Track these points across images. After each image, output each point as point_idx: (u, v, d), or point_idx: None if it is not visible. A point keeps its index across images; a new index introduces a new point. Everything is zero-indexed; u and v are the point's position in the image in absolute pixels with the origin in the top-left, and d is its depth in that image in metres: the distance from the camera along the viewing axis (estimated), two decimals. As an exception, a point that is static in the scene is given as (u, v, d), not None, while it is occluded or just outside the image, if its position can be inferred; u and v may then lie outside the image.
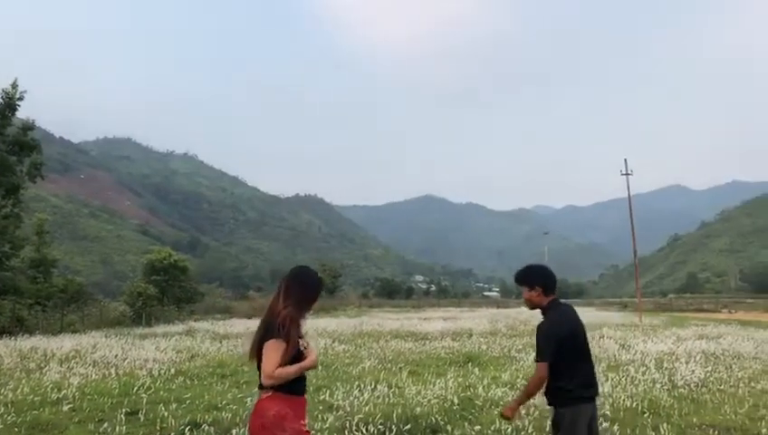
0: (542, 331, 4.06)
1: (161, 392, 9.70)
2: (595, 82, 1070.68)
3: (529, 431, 6.56)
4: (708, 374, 10.78)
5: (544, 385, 4.02)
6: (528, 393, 4.10)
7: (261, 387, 3.42)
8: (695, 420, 7.46)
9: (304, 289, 3.65)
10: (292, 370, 3.37)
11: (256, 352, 3.46)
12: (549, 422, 4.44)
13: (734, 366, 12.12)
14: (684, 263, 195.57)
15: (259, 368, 3.43)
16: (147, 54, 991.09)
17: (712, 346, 15.61)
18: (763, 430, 6.86)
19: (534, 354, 4.11)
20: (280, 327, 3.37)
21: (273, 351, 3.32)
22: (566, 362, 3.97)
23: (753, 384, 10.04)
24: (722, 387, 9.80)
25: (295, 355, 3.44)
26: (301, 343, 3.52)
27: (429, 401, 8.31)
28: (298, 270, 3.77)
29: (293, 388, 3.46)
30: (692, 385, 9.66)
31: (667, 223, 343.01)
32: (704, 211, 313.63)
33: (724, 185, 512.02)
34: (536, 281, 4.16)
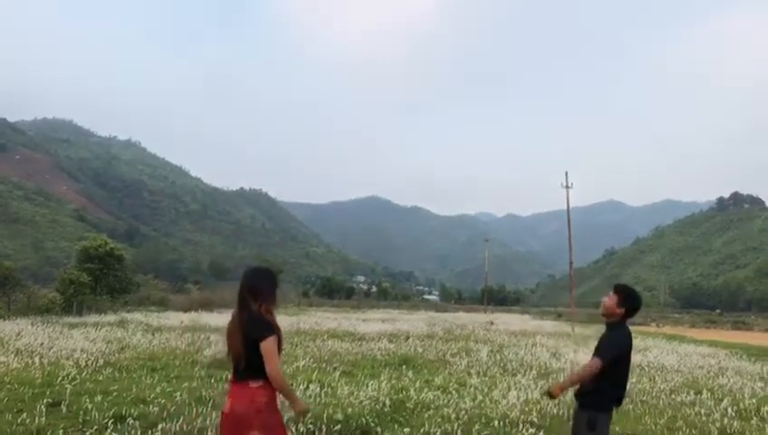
0: (607, 338, 4.57)
1: (87, 384, 9.45)
2: (540, 95, 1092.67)
3: (457, 434, 6.66)
4: (633, 386, 11.12)
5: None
6: (578, 379, 4.46)
7: (244, 377, 3.78)
8: (617, 429, 7.69)
9: (272, 286, 4.04)
10: (287, 388, 3.87)
11: (244, 347, 3.78)
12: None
13: (657, 378, 12.57)
14: (618, 276, 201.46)
15: (246, 360, 3.78)
16: (95, 36, 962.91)
17: (638, 358, 16.15)
18: (680, 441, 7.13)
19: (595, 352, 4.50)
20: (272, 325, 3.83)
21: (273, 346, 3.76)
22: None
23: (673, 396, 10.42)
24: (644, 398, 10.14)
25: None
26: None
27: (361, 402, 8.34)
28: (261, 271, 4.16)
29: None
30: (617, 395, 9.95)
31: (604, 236, 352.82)
32: (638, 227, 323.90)
33: (658, 203, 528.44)
34: (630, 303, 4.60)
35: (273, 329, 3.81)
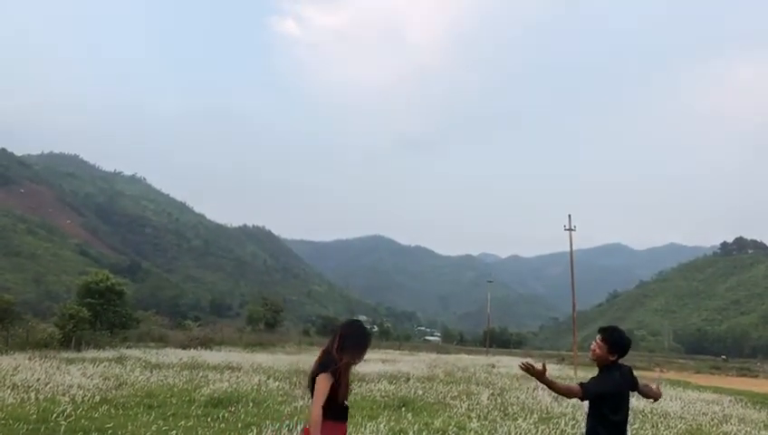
0: (597, 376, 4.58)
1: (82, 421, 9.35)
2: (544, 137, 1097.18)
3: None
4: (635, 432, 10.97)
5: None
6: (555, 386, 4.36)
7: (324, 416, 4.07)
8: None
9: (362, 343, 4.37)
10: (316, 430, 3.99)
11: (310, 385, 4.17)
12: None
13: (660, 425, 12.38)
14: (621, 319, 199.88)
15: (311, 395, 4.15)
16: (102, 73, 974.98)
17: (641, 404, 15.92)
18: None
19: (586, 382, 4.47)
20: (330, 365, 4.11)
21: (324, 384, 4.03)
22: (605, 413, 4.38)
23: (676, 444, 10.26)
24: (647, 445, 9.98)
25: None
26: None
27: (359, 444, 8.22)
28: (356, 325, 4.50)
29: (337, 415, 4.15)
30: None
31: (607, 279, 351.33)
32: (642, 271, 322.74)
33: (662, 247, 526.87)
34: (619, 349, 4.55)
35: (328, 368, 4.08)
